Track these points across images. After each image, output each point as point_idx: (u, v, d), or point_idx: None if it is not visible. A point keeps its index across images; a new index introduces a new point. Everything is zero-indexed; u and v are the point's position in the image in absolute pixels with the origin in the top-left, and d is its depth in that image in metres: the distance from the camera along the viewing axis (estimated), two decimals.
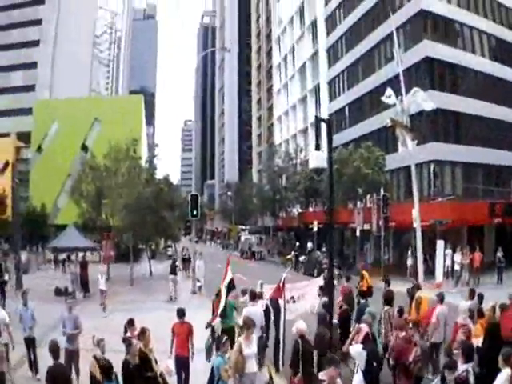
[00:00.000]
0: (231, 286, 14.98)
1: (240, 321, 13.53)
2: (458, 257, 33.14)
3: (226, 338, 11.10)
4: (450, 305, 14.45)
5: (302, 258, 46.85)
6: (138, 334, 10.82)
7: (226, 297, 14.71)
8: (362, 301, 16.07)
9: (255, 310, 14.13)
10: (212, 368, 10.54)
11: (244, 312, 13.96)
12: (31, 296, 16.67)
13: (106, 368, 9.79)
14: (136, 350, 10.00)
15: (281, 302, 14.63)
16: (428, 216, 35.91)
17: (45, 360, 11.87)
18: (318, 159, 12.16)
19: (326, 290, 15.15)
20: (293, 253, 51.04)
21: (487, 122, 44.08)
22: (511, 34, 48.16)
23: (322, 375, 8.35)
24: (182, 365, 12.44)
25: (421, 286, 17.25)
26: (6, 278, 28.86)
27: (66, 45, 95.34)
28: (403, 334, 11.34)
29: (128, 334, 11.71)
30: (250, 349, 10.65)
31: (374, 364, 9.99)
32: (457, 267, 33.10)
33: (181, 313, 13.02)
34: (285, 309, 14.50)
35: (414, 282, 22.04)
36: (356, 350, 10.27)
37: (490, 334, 11.11)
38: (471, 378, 8.78)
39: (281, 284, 14.78)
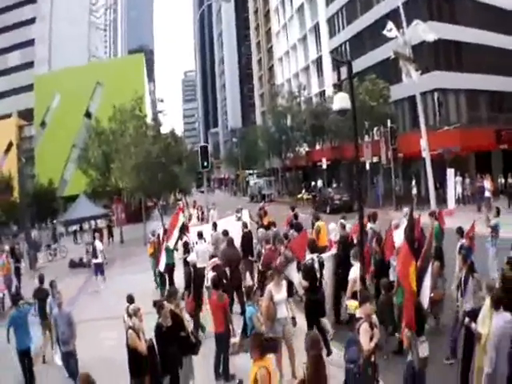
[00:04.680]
0: (183, 229, 18.58)
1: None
2: (487, 183, 33.40)
3: (255, 287, 11.51)
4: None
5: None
6: (167, 295, 10.92)
7: (179, 238, 18.09)
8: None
9: (203, 247, 17.13)
10: (244, 319, 10.74)
11: (194, 250, 16.87)
12: (46, 273, 16.84)
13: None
14: (167, 312, 9.92)
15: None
16: (435, 145, 35.68)
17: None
18: (342, 100, 12.03)
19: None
20: (303, 191, 51.09)
21: (488, 49, 43.73)
22: None
23: (359, 313, 8.78)
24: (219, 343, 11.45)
25: (319, 217, 19.54)
26: (22, 264, 27.87)
27: (62, 18, 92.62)
28: (269, 246, 15.48)
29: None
30: (280, 295, 10.95)
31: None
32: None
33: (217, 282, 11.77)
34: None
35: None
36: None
37: (341, 244, 14.72)
38: (316, 265, 11.70)
39: None
